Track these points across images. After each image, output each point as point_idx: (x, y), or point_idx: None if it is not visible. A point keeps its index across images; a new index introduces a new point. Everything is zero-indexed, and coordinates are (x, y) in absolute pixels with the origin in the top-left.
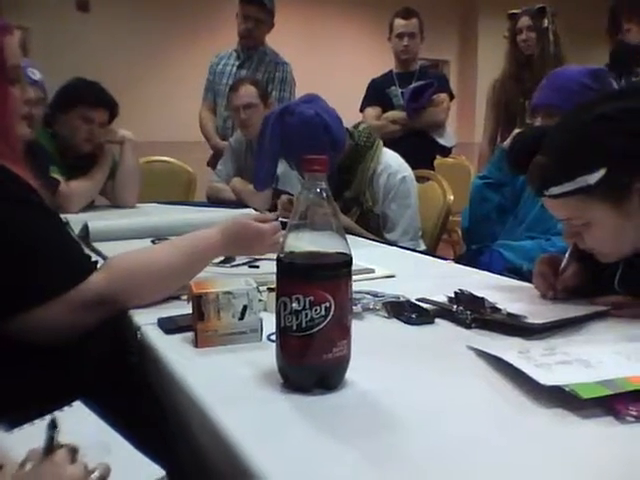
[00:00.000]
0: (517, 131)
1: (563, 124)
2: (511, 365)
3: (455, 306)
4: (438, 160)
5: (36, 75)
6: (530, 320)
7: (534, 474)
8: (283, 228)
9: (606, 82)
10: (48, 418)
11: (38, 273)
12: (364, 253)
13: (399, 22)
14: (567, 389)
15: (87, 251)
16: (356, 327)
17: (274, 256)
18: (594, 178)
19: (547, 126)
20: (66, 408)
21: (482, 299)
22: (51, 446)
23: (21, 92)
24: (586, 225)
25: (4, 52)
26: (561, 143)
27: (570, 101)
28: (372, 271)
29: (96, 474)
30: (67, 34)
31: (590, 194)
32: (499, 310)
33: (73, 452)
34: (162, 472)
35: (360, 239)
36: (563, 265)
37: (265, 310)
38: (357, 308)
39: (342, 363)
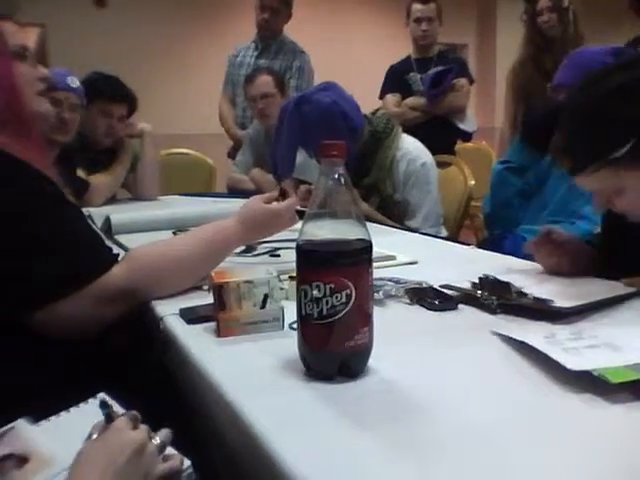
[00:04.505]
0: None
1: (576, 103)
2: (537, 350)
3: (480, 292)
4: (459, 145)
5: (75, 83)
6: (558, 304)
7: (563, 459)
8: (302, 218)
9: None
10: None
11: (60, 266)
12: (385, 240)
13: (417, 7)
14: (595, 374)
15: (109, 244)
16: (378, 314)
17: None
18: (621, 152)
19: (556, 101)
20: (90, 400)
21: (507, 284)
22: (110, 417)
23: (31, 69)
24: (619, 191)
25: (3, 34)
26: (579, 126)
27: None
28: (393, 258)
29: (157, 439)
30: (84, 30)
31: (620, 164)
32: (525, 295)
33: (134, 419)
34: (187, 462)
35: (381, 226)
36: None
37: (287, 299)
38: (379, 295)
39: (364, 350)
